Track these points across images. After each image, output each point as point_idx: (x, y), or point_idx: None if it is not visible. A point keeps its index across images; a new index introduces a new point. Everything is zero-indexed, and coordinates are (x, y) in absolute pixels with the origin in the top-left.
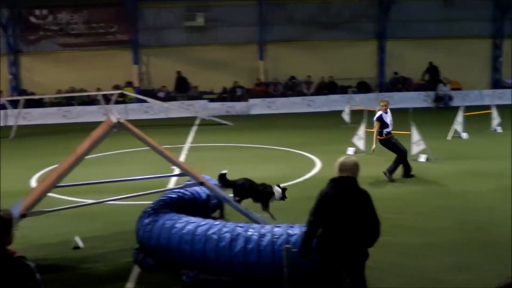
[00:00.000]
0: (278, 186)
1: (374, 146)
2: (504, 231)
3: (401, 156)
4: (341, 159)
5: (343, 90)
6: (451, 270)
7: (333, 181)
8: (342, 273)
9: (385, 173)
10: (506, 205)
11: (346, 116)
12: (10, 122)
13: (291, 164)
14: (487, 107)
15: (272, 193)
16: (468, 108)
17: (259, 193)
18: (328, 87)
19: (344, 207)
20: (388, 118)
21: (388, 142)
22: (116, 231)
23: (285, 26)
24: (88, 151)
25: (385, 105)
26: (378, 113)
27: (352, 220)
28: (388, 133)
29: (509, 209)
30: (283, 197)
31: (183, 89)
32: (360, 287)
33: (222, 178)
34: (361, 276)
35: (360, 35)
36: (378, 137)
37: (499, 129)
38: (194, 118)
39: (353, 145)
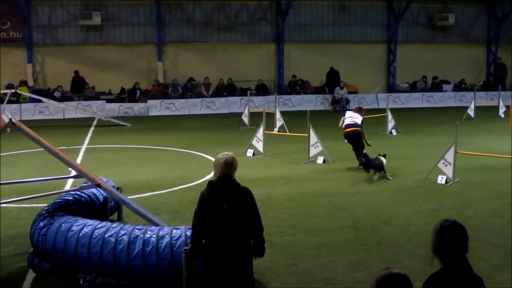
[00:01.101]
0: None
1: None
2: (395, 231)
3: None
4: (215, 158)
5: (242, 92)
6: (345, 269)
7: (210, 183)
8: (227, 278)
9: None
10: (398, 205)
11: (245, 118)
12: None
13: (189, 166)
14: (383, 110)
15: None
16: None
17: None
18: (227, 89)
19: (223, 209)
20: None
21: None
22: (8, 234)
23: (183, 27)
24: None
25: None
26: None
27: (233, 221)
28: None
29: (401, 208)
30: None
31: (79, 89)
32: None
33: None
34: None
35: (258, 38)
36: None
37: (394, 132)
38: (91, 119)
39: (252, 146)
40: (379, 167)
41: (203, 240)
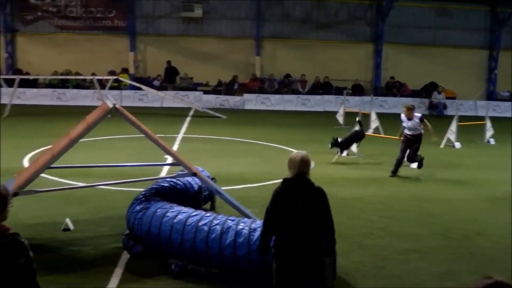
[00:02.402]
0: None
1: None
2: (488, 243)
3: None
4: (290, 155)
5: (338, 91)
6: (434, 277)
7: (284, 181)
8: (295, 276)
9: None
10: (491, 216)
11: (340, 118)
12: (4, 100)
13: (281, 161)
14: (481, 118)
15: None
16: (462, 118)
17: None
18: (323, 87)
19: (293, 206)
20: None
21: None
22: (105, 215)
23: (282, 23)
24: (82, 135)
25: (405, 111)
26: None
27: (304, 221)
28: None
29: (495, 219)
30: None
31: (171, 79)
32: None
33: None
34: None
35: (357, 37)
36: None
37: (492, 141)
38: (188, 109)
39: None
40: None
41: (273, 237)
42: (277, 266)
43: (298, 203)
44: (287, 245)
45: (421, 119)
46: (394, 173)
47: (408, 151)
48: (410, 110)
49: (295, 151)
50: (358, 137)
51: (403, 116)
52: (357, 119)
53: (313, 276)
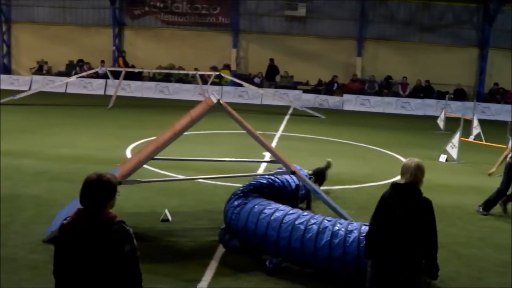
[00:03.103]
0: None
1: (494, 170)
2: None
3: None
4: (405, 161)
5: (439, 95)
6: None
7: (393, 185)
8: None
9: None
10: None
11: (441, 123)
12: (110, 92)
13: (379, 164)
14: None
15: None
16: None
17: None
18: (424, 91)
19: (398, 214)
20: None
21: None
22: (204, 208)
23: (385, 24)
24: (186, 128)
25: None
26: None
27: (406, 229)
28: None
29: None
30: None
31: (272, 77)
32: None
33: None
34: None
35: (461, 41)
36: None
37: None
38: (287, 107)
39: (446, 152)
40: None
41: (376, 242)
42: (374, 270)
43: (403, 210)
44: (389, 250)
45: None
46: (487, 210)
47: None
48: None
49: (393, 154)
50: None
51: None
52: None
53: (406, 278)
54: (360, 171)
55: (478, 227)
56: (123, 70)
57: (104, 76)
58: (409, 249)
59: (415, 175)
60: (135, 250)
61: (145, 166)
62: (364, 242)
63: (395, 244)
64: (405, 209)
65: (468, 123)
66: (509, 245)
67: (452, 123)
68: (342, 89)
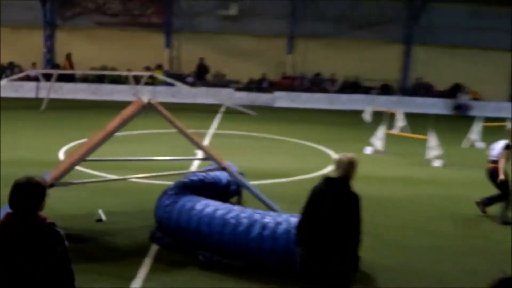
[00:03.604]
0: None
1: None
2: (506, 238)
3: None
4: (338, 156)
5: (366, 90)
6: (458, 274)
7: (325, 179)
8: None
9: (478, 204)
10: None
11: (367, 116)
12: (42, 94)
13: (308, 158)
14: (505, 119)
15: None
16: (485, 119)
17: None
18: (352, 86)
19: (328, 207)
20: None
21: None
22: (137, 208)
23: (315, 22)
24: (117, 129)
25: None
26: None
27: (334, 222)
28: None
29: None
30: None
31: (201, 76)
32: None
33: None
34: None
35: (387, 38)
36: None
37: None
38: (219, 105)
39: (371, 145)
40: None
41: (307, 232)
42: (305, 262)
43: (333, 203)
44: (319, 244)
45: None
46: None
47: None
48: None
49: (323, 148)
50: None
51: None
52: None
53: (337, 272)
54: (290, 165)
55: (404, 214)
56: (55, 72)
57: (36, 79)
58: (339, 243)
59: (347, 170)
60: (66, 251)
61: (78, 167)
62: (296, 232)
63: (325, 237)
64: (334, 202)
65: (393, 116)
66: (434, 231)
67: (379, 117)
68: (274, 86)
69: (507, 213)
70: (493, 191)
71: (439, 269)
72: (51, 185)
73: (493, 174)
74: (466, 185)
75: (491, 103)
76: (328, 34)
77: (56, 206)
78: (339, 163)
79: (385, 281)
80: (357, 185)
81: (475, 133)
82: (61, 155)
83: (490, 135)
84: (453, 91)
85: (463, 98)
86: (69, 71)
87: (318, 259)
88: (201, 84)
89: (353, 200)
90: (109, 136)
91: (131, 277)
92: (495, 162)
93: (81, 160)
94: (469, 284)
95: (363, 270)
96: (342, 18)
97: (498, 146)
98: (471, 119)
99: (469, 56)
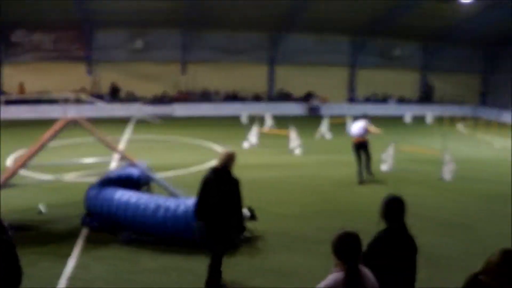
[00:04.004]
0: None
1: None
2: (352, 205)
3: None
4: (221, 151)
5: (242, 99)
6: (317, 230)
7: (212, 168)
8: (218, 240)
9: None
10: (355, 185)
11: (244, 119)
12: None
13: (202, 152)
14: (345, 116)
15: None
16: (332, 116)
17: None
18: (232, 97)
19: (216, 189)
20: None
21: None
22: (71, 200)
23: (201, 50)
24: (49, 140)
25: None
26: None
27: (223, 199)
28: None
29: (357, 188)
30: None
31: (114, 96)
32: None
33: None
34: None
35: (256, 60)
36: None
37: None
38: (131, 117)
39: (248, 140)
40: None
41: (203, 210)
42: (204, 229)
43: (220, 186)
44: (214, 215)
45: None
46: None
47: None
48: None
49: (215, 145)
50: None
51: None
52: None
53: (227, 235)
54: (188, 159)
55: (275, 191)
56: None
57: None
58: (227, 216)
59: (227, 161)
60: (10, 238)
61: (22, 171)
62: (194, 210)
63: (216, 212)
64: (220, 186)
65: (263, 118)
66: (298, 202)
67: (253, 119)
68: (172, 100)
69: (362, 174)
70: (337, 167)
71: (304, 228)
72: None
73: (359, 145)
74: (319, 166)
75: (335, 105)
76: (211, 59)
77: (5, 203)
78: (221, 156)
79: (269, 243)
80: (239, 172)
81: (324, 127)
82: (8, 162)
83: (335, 128)
84: (307, 97)
85: (314, 102)
86: (14, 96)
87: (214, 228)
88: (116, 101)
89: (234, 183)
90: (44, 145)
91: (68, 254)
92: (359, 137)
93: (24, 165)
94: (325, 237)
95: (249, 235)
96: (221, 47)
97: (358, 126)
98: (321, 118)
99: (317, 71)
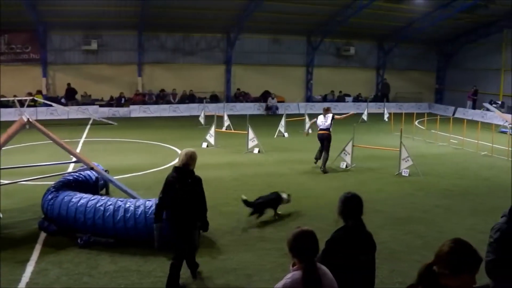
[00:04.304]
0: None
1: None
2: (311, 202)
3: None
4: (181, 151)
5: (200, 100)
6: (273, 229)
7: (174, 168)
8: (183, 239)
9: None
10: (313, 183)
11: (201, 120)
12: None
13: (159, 155)
14: (302, 115)
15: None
16: (288, 115)
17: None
18: (189, 98)
19: (179, 188)
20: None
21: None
22: (28, 204)
23: (158, 51)
24: (5, 143)
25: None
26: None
27: (186, 197)
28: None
29: (315, 186)
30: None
31: (71, 97)
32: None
33: (245, 202)
34: (195, 242)
35: (213, 60)
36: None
37: (310, 130)
38: (88, 119)
39: (206, 140)
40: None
41: (165, 210)
42: (171, 227)
43: (183, 185)
44: (178, 214)
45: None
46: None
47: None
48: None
49: (169, 146)
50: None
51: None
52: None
53: (193, 233)
54: (145, 161)
55: (233, 190)
56: None
57: None
58: (189, 213)
59: (186, 160)
60: None
61: None
62: (155, 211)
63: (179, 210)
64: (183, 185)
65: (221, 118)
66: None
67: (210, 119)
68: (129, 102)
69: (325, 165)
70: (295, 165)
71: (261, 227)
72: None
73: (325, 137)
74: (277, 164)
75: (292, 104)
76: (168, 60)
77: None
78: (181, 156)
79: (228, 242)
80: (199, 171)
81: (282, 126)
82: None
83: (292, 126)
84: (264, 97)
85: (272, 102)
86: None
87: (177, 228)
88: (72, 103)
89: (196, 181)
90: None
91: (26, 260)
92: (325, 130)
93: None
94: (282, 236)
95: (204, 234)
96: (177, 48)
97: (326, 119)
98: (279, 116)
99: (273, 71)
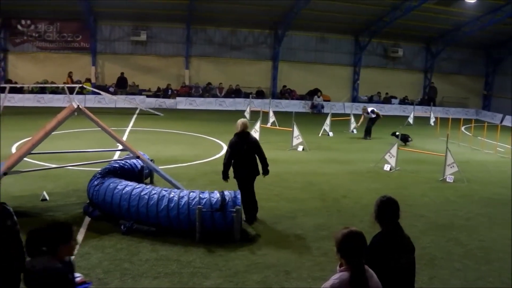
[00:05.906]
0: None
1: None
2: (351, 203)
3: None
4: (238, 121)
5: (246, 95)
6: (314, 228)
7: (235, 134)
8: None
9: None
10: (353, 184)
11: (247, 114)
12: None
13: (204, 147)
14: (347, 115)
15: None
16: (334, 115)
17: None
18: (235, 92)
19: (242, 148)
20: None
21: None
22: (73, 189)
23: (205, 45)
24: (54, 128)
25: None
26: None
27: (248, 154)
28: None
29: (355, 187)
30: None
31: (123, 86)
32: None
33: None
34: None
35: (260, 56)
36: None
37: (355, 131)
38: (134, 108)
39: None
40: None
41: (231, 165)
42: (236, 176)
43: (244, 145)
44: (241, 168)
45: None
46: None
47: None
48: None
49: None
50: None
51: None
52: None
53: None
54: (190, 153)
55: (275, 187)
56: (7, 86)
57: None
58: (252, 164)
59: (242, 127)
60: (15, 224)
61: (27, 159)
62: (222, 169)
63: (244, 163)
64: (243, 145)
65: (266, 114)
66: (297, 198)
67: (255, 115)
68: (175, 94)
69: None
70: (338, 165)
71: (302, 225)
72: (5, 174)
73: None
74: (320, 162)
75: (338, 103)
76: (215, 54)
77: (10, 189)
78: (238, 124)
79: (268, 239)
80: None
81: (327, 125)
82: (13, 149)
83: (337, 126)
84: (310, 95)
85: (318, 100)
86: (18, 85)
87: (240, 174)
88: (122, 92)
89: (255, 141)
90: (48, 134)
91: None
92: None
93: (28, 153)
94: (323, 235)
95: (244, 228)
96: (225, 42)
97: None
98: (324, 115)
99: (320, 70)
